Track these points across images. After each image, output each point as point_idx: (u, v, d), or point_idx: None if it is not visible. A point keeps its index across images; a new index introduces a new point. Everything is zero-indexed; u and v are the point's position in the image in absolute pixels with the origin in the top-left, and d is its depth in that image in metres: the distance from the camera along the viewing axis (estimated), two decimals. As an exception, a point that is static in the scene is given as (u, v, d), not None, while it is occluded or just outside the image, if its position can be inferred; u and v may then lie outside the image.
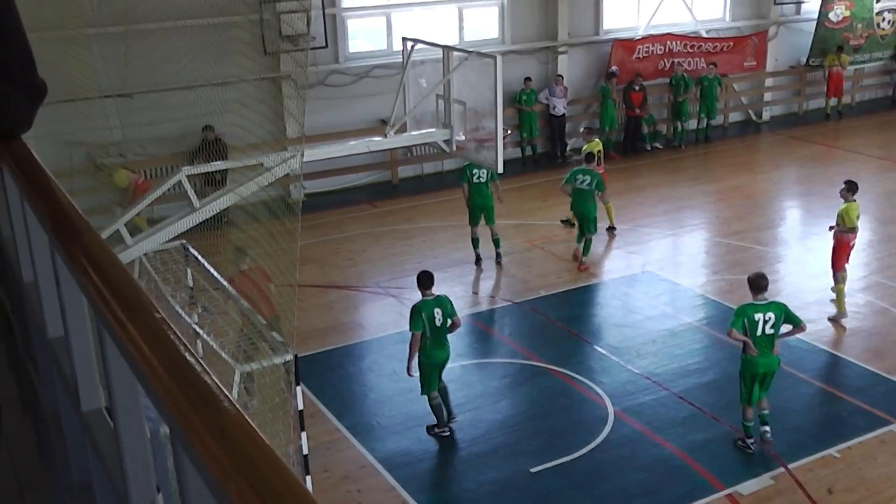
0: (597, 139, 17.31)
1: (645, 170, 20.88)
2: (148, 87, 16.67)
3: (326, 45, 18.76)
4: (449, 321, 10.27)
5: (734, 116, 24.99)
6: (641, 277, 15.06)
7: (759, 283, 9.81)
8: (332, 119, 19.02)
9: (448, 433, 10.58)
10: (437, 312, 10.22)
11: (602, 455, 10.11)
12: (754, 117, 25.20)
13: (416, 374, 10.48)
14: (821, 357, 12.21)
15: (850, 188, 13.02)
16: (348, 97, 19.43)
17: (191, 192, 9.97)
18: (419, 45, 13.65)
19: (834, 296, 13.38)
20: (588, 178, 15.08)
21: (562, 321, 13.37)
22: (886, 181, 19.75)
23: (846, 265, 13.23)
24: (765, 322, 9.65)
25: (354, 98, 19.43)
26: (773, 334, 9.74)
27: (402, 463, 10.10)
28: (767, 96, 25.41)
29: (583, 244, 15.15)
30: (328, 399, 11.42)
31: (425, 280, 10.40)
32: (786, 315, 9.75)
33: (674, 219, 17.54)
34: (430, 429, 10.62)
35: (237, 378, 7.90)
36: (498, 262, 15.38)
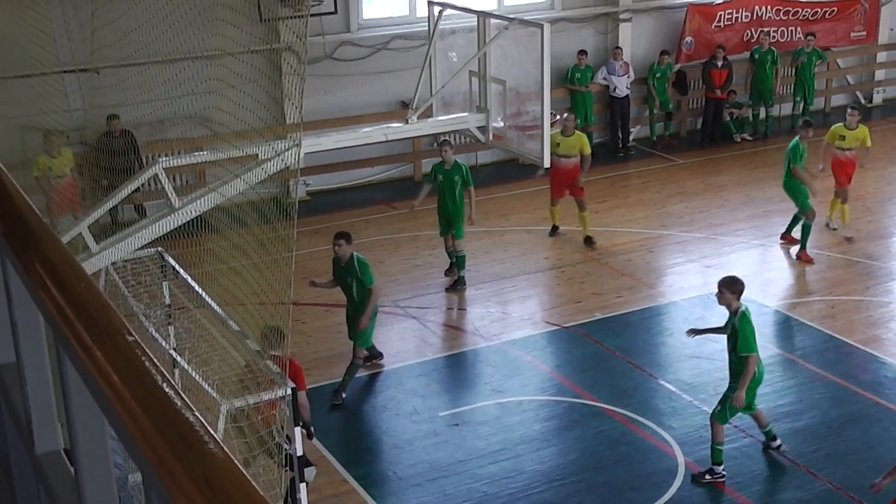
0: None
1: (725, 165, 20.77)
2: (116, 62, 16.80)
3: (336, 11, 18.85)
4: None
5: (837, 100, 24.80)
6: (721, 298, 14.98)
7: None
8: (343, 100, 19.10)
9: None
10: None
11: (671, 517, 10.08)
12: (863, 101, 25.01)
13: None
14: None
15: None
16: (362, 74, 19.50)
17: (169, 189, 10.06)
18: (449, 11, 13.70)
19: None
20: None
21: (621, 350, 13.32)
22: None
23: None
24: None
25: (369, 75, 19.51)
26: None
27: (424, 523, 10.12)
28: (880, 75, 25.24)
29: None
30: (334, 443, 11.45)
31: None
32: None
33: (761, 225, 17.42)
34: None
35: (223, 415, 7.94)
36: (459, 287, 15.25)
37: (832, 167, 16.70)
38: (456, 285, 15.22)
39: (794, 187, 15.94)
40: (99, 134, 16.94)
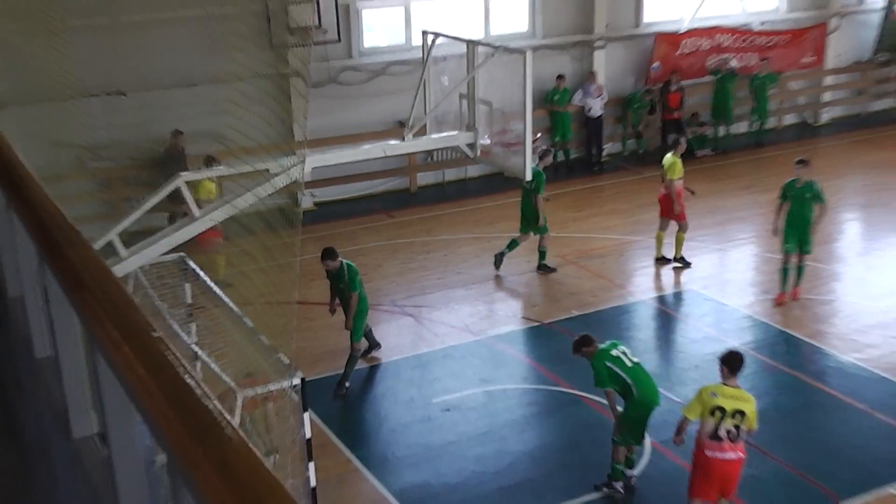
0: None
1: (689, 177, 20.65)
2: (138, 85, 16.81)
3: (339, 39, 18.86)
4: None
5: (789, 119, 24.87)
6: (684, 297, 15.01)
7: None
8: (345, 120, 19.10)
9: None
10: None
11: (639, 493, 10.08)
12: (812, 120, 25.08)
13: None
14: (882, 385, 12.12)
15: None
16: (363, 96, 19.52)
17: (190, 200, 10.07)
18: (441, 40, 13.72)
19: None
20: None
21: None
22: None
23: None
24: None
25: (369, 97, 19.53)
26: None
27: (420, 498, 10.11)
28: (827, 96, 25.30)
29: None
30: (339, 428, 11.47)
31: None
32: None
33: (721, 232, 17.45)
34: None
35: (239, 403, 7.95)
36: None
37: None
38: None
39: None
40: (165, 147, 16.89)
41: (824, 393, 12.06)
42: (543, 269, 15.79)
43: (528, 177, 12.96)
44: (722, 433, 8.83)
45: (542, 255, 15.77)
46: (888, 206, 18.85)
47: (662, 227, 15.94)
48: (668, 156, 15.92)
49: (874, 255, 16.76)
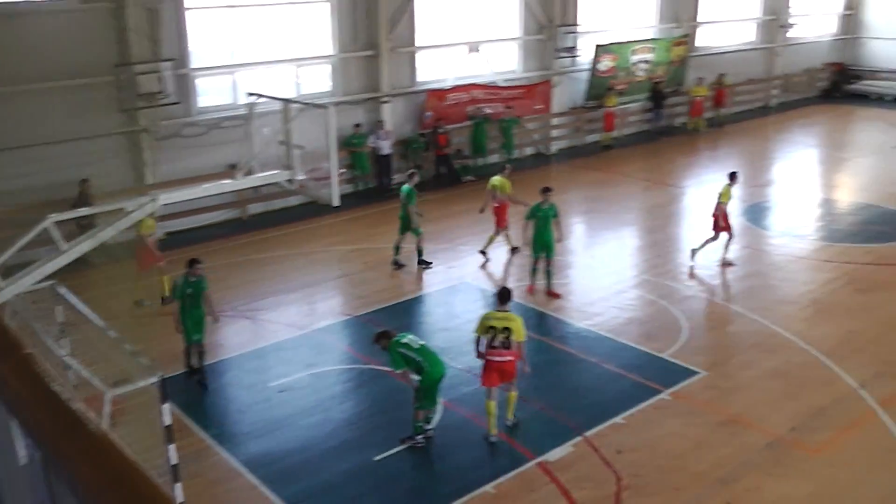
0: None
1: (458, 199, 21.26)
2: (14, 144, 15.76)
3: (179, 102, 18.22)
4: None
5: (528, 150, 25.82)
6: (460, 288, 15.32)
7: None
8: (188, 165, 18.45)
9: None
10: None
11: (437, 440, 10.22)
12: (544, 150, 26.15)
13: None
14: (605, 343, 12.78)
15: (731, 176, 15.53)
16: (201, 146, 18.89)
17: (57, 237, 9.47)
18: (262, 99, 13.51)
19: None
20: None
21: (396, 328, 13.33)
22: (650, 198, 20.96)
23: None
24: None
25: (206, 146, 18.91)
26: None
27: (264, 463, 9.88)
28: (554, 133, 26.43)
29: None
30: (194, 412, 11.04)
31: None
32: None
33: (483, 238, 17.88)
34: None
35: (108, 401, 7.53)
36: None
37: (721, 218, 15.35)
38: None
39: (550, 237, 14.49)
40: (78, 193, 15.64)
41: (565, 352, 12.59)
42: (422, 263, 15.96)
43: (336, 202, 12.92)
44: (497, 343, 9.80)
45: (419, 251, 15.95)
46: (604, 212, 19.91)
47: (497, 232, 16.43)
48: (498, 177, 16.69)
49: (596, 248, 17.66)
